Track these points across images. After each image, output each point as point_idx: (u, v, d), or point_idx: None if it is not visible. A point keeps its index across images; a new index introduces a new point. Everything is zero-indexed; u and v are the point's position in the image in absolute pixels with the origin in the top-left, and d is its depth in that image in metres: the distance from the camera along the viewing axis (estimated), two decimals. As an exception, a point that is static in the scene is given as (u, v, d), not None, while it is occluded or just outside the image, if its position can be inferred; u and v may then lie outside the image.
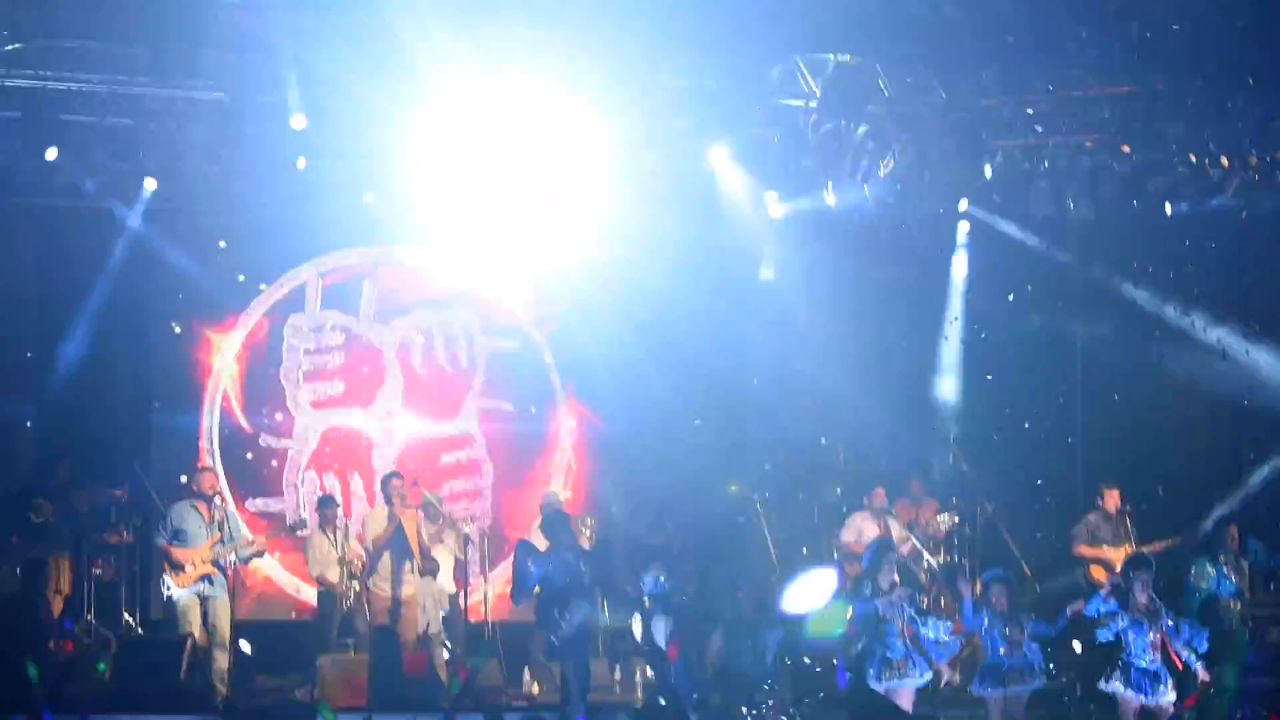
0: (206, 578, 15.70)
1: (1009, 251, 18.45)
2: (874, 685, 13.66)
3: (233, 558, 16.02)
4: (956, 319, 18.94)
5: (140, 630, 16.97)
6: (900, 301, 19.02)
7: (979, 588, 14.96)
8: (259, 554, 16.45)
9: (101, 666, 15.42)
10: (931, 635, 13.94)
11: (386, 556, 16.10)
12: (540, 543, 15.09)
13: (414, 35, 15.11)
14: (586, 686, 14.64)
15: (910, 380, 19.05)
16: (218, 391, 18.43)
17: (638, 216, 17.83)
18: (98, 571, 16.68)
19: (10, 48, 15.11)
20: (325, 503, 17.04)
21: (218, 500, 16.07)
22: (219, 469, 17.89)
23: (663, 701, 14.12)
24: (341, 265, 18.94)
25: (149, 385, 18.30)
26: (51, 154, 15.98)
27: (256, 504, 18.32)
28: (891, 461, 18.61)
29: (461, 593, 16.68)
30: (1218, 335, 17.70)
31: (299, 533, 17.11)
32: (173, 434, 18.23)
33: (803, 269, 18.75)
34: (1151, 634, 13.95)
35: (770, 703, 13.92)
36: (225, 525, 15.83)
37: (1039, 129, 16.88)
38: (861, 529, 17.30)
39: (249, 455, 18.46)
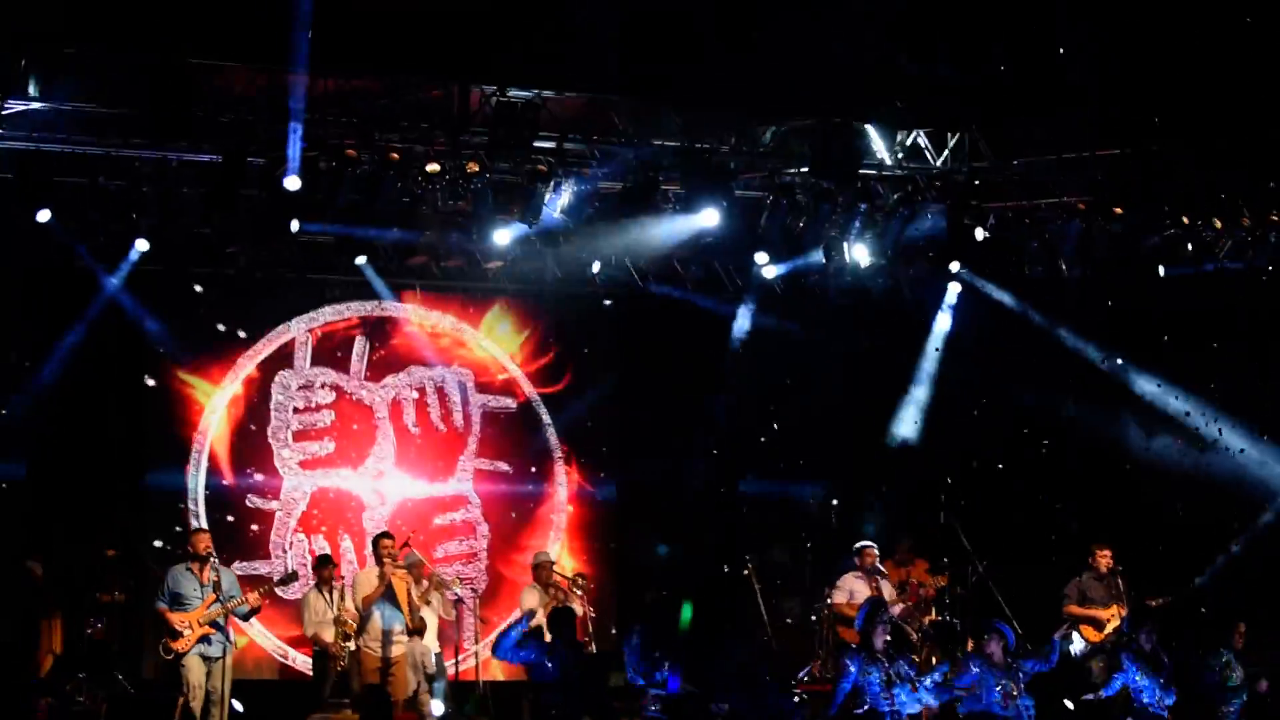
0: (205, 639, 15.62)
1: (999, 313, 18.57)
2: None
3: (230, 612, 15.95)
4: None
5: (131, 690, 16.83)
6: (888, 362, 19.10)
7: (970, 645, 14.98)
8: (256, 610, 16.37)
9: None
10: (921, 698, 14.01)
11: (376, 616, 16.00)
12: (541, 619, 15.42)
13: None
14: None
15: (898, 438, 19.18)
16: (204, 451, 18.21)
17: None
18: (90, 631, 16.60)
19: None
20: (323, 562, 16.93)
21: (213, 560, 15.98)
22: (202, 531, 17.74)
23: None
24: (332, 321, 18.78)
25: (138, 444, 18.06)
26: (44, 215, 16.00)
27: (240, 567, 17.63)
28: (881, 521, 18.59)
29: (452, 656, 16.60)
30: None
31: (291, 586, 17.03)
32: (158, 494, 17.98)
33: (794, 327, 18.87)
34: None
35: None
36: (219, 586, 15.74)
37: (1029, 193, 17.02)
38: (853, 589, 17.28)
39: (230, 518, 18.12)
